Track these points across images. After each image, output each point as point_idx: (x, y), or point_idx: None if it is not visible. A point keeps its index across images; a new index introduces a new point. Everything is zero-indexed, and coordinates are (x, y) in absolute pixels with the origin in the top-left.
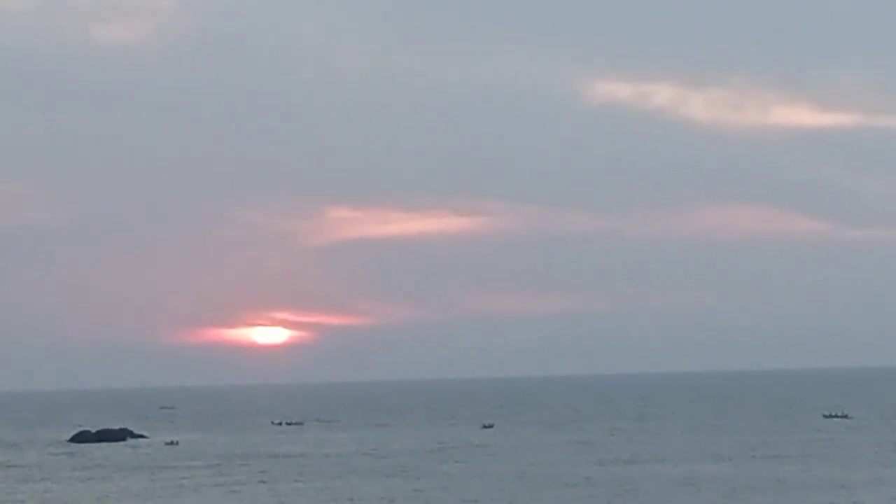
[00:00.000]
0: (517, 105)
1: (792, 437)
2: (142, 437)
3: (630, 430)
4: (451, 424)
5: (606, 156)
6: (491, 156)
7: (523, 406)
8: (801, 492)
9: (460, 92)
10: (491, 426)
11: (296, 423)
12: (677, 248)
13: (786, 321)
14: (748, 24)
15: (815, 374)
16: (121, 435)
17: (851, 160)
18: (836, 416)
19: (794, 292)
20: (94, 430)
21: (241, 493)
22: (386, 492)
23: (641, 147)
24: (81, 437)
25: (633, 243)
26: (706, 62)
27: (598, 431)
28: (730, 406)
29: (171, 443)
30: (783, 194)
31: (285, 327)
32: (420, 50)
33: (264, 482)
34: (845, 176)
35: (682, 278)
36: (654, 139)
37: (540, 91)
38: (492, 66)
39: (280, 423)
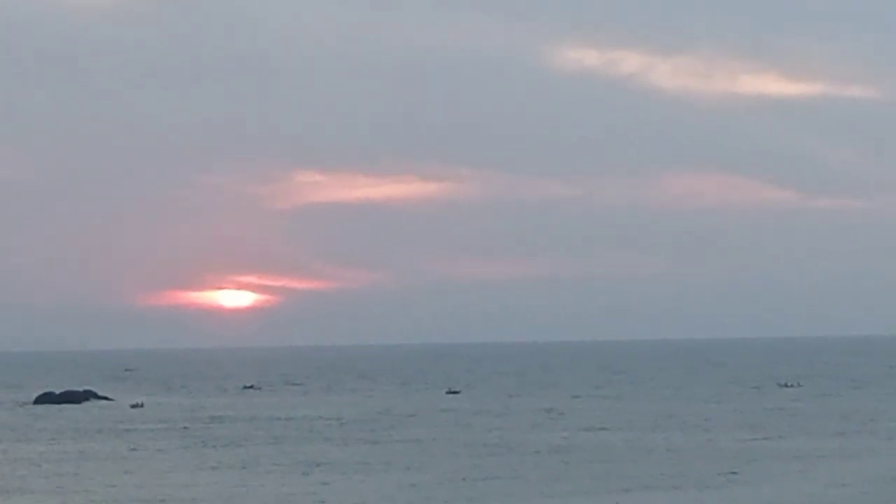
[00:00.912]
0: (485, 71)
1: (746, 405)
2: (106, 398)
3: (596, 397)
4: (416, 390)
5: (574, 123)
6: (458, 122)
7: (490, 372)
8: (765, 461)
9: (428, 57)
10: (457, 392)
11: (256, 388)
12: (645, 216)
13: (752, 290)
14: None
15: (781, 342)
16: (85, 397)
17: (819, 129)
18: (790, 386)
19: (761, 261)
20: (57, 392)
21: (208, 456)
22: (354, 456)
23: (609, 114)
24: (45, 399)
25: (600, 210)
26: (674, 30)
27: (564, 398)
28: (692, 374)
29: (137, 405)
30: (750, 163)
31: (251, 291)
32: (389, 14)
33: (231, 445)
34: (812, 145)
35: (649, 246)
36: (623, 106)
37: (508, 57)
38: (460, 32)
39: (248, 387)
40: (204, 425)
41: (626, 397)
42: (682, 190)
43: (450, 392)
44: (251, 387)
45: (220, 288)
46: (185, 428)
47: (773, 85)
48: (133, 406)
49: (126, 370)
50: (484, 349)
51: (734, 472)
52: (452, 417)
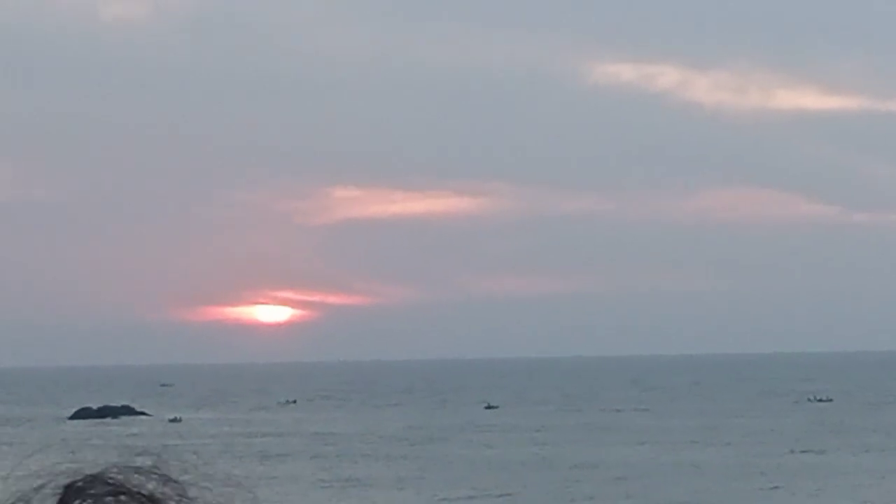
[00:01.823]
0: (520, 86)
1: (784, 419)
2: (143, 413)
3: (634, 412)
4: (454, 405)
5: (610, 138)
6: (494, 137)
7: (527, 387)
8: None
9: (464, 72)
10: (496, 407)
11: (291, 402)
12: (681, 231)
13: (790, 305)
14: (753, 6)
15: (817, 357)
16: (122, 411)
17: (857, 144)
18: (821, 401)
19: (799, 276)
20: (95, 408)
21: (248, 471)
22: (395, 472)
23: (645, 129)
24: (82, 414)
25: (636, 225)
26: (710, 44)
27: (602, 413)
28: (728, 389)
29: (174, 419)
30: (787, 178)
31: (287, 306)
32: (424, 30)
33: (271, 460)
34: (850, 159)
35: (685, 261)
36: (658, 121)
37: (543, 72)
38: (494, 47)
39: (287, 402)
40: (243, 440)
41: (665, 412)
42: (718, 205)
43: (488, 407)
44: (291, 402)
45: (256, 303)
46: (226, 442)
47: (811, 99)
48: (171, 421)
49: (162, 385)
50: (520, 364)
51: (776, 487)
52: (492, 433)
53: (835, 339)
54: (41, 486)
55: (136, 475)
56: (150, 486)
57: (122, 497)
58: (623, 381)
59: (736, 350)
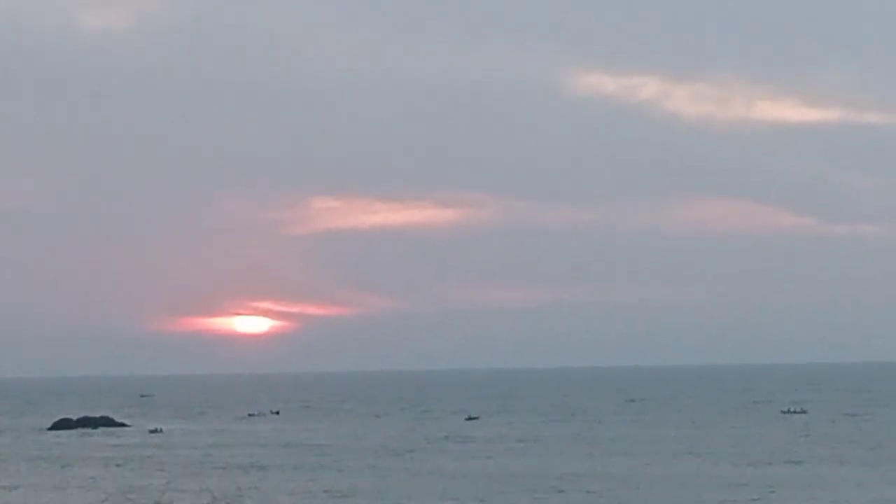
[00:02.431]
0: (502, 97)
1: (768, 430)
2: (123, 425)
3: (619, 423)
4: (434, 416)
5: (591, 149)
6: (475, 147)
7: (508, 398)
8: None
9: (444, 83)
10: (476, 418)
11: (274, 413)
12: (661, 242)
13: (769, 316)
14: (734, 18)
15: (797, 368)
16: (102, 422)
17: (836, 155)
18: (794, 412)
19: (779, 287)
20: (74, 419)
21: (231, 481)
22: (373, 484)
23: (626, 141)
24: (61, 425)
25: (617, 236)
26: (692, 56)
27: (585, 424)
28: (710, 400)
29: (155, 430)
30: (768, 189)
31: (267, 317)
32: (404, 41)
33: (252, 470)
34: (830, 171)
35: (666, 272)
36: (640, 133)
37: (525, 83)
38: (477, 58)
39: (271, 412)
40: (226, 451)
41: (649, 423)
42: (698, 216)
43: (469, 418)
44: (275, 412)
45: (236, 314)
46: (206, 454)
47: (790, 111)
48: (152, 431)
49: (142, 396)
50: (501, 375)
51: (755, 500)
52: (473, 444)
53: (814, 350)
54: None
55: None
56: None
57: None
58: (606, 392)
59: (718, 361)
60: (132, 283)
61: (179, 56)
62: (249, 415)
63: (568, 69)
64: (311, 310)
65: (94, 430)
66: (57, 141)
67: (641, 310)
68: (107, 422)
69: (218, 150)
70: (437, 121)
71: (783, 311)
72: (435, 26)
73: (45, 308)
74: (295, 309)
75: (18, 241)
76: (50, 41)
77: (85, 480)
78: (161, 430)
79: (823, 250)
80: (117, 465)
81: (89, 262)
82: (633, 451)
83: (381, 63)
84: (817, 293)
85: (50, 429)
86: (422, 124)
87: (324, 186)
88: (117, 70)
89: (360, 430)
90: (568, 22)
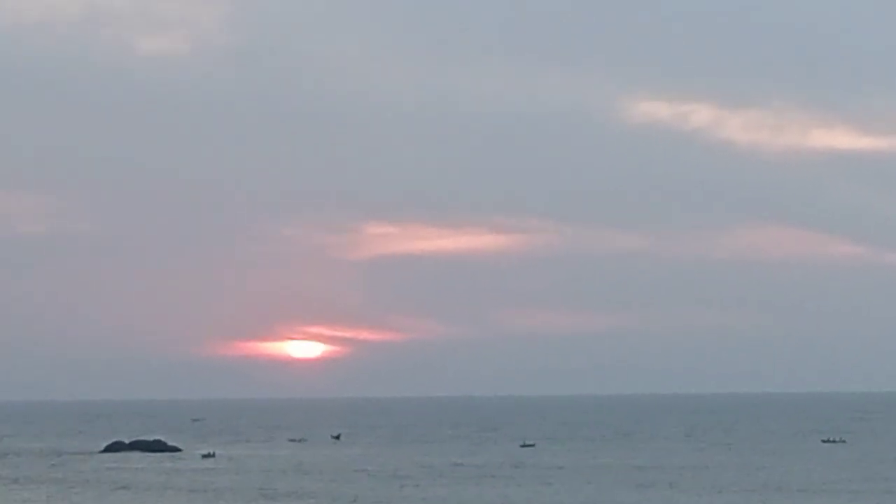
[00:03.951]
0: (556, 123)
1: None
2: (176, 449)
3: (683, 453)
4: (490, 442)
5: (645, 175)
6: (529, 173)
7: (563, 425)
8: None
9: (500, 110)
10: (532, 445)
11: (335, 437)
12: (714, 269)
13: (822, 345)
14: (788, 46)
15: (847, 398)
16: (154, 446)
17: (889, 183)
18: (833, 441)
19: (830, 315)
20: (127, 441)
21: None
22: None
23: (680, 167)
24: (114, 447)
25: (670, 263)
26: (745, 84)
27: (640, 451)
28: (768, 428)
29: (208, 455)
30: (820, 217)
31: (320, 341)
32: (461, 68)
33: (306, 498)
34: (883, 199)
35: (718, 299)
36: (693, 160)
37: (579, 110)
38: (531, 85)
39: (332, 437)
40: (279, 476)
41: (715, 451)
42: (750, 243)
43: (524, 445)
44: (335, 437)
45: (289, 338)
46: (263, 479)
47: (844, 139)
48: (205, 456)
49: (194, 420)
50: (555, 402)
51: None
52: (530, 473)
53: (865, 379)
54: None
55: None
56: None
57: None
58: (662, 420)
59: (768, 389)
60: (186, 308)
61: (234, 81)
62: (300, 440)
63: (623, 96)
64: (365, 335)
65: (147, 454)
66: (112, 164)
67: (694, 336)
68: (159, 445)
69: (273, 175)
70: (493, 147)
71: (833, 339)
72: (492, 55)
73: (98, 332)
74: (348, 334)
75: (72, 264)
76: (105, 65)
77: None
78: (214, 455)
79: (875, 279)
80: (169, 490)
81: (143, 287)
82: (709, 486)
83: (437, 90)
84: (868, 322)
85: (103, 451)
86: (477, 151)
87: (378, 212)
88: (172, 94)
89: (413, 457)
90: (623, 50)
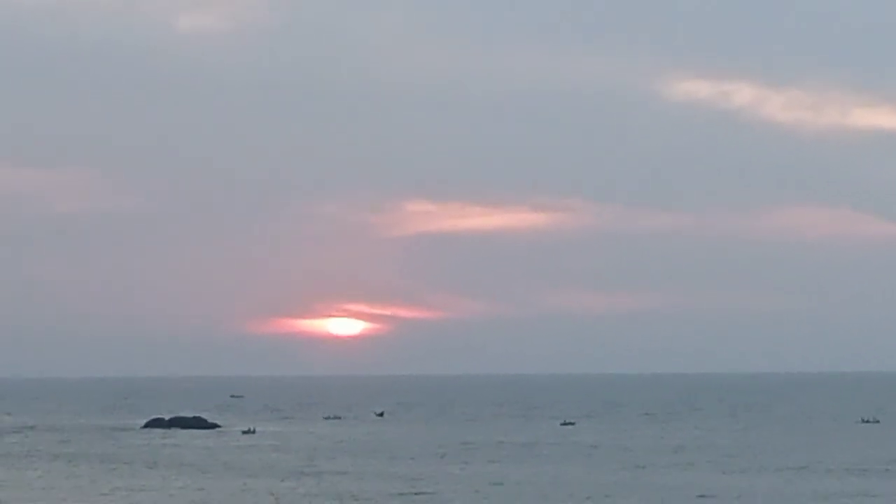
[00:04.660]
0: (597, 103)
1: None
2: (215, 425)
3: (716, 431)
4: (531, 421)
5: (686, 155)
6: (571, 153)
7: (603, 403)
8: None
9: (541, 89)
10: (572, 423)
11: (378, 415)
12: (754, 249)
13: (861, 324)
14: (829, 25)
15: (890, 377)
16: (194, 423)
17: None
18: (869, 421)
19: (870, 295)
20: (167, 418)
21: (327, 486)
22: (470, 486)
23: (720, 147)
24: (154, 424)
25: (710, 242)
26: (786, 63)
27: (681, 430)
28: (795, 408)
29: (248, 431)
30: (862, 196)
31: (360, 319)
32: (501, 47)
33: (346, 475)
34: None
35: (757, 279)
36: (734, 139)
37: (620, 89)
38: (572, 64)
39: (375, 414)
40: (323, 453)
41: (753, 430)
42: (792, 222)
43: (564, 423)
44: (378, 414)
45: (329, 316)
46: (308, 456)
47: (885, 118)
48: (245, 432)
49: (232, 396)
50: (594, 380)
51: None
52: (571, 451)
53: None
54: None
55: None
56: None
57: None
58: (701, 399)
59: (809, 369)
60: (225, 285)
61: (275, 59)
62: (334, 417)
63: (663, 75)
64: (404, 312)
65: (187, 430)
66: (152, 143)
67: (732, 316)
68: (199, 422)
69: (312, 153)
70: (533, 126)
71: (875, 318)
72: (530, 36)
73: (139, 310)
74: (388, 311)
75: (113, 242)
76: (145, 44)
77: (176, 480)
78: (254, 431)
79: None
80: (204, 466)
81: (183, 265)
82: (753, 465)
83: (477, 68)
84: None
85: (143, 428)
86: (518, 129)
87: (418, 190)
88: (213, 72)
89: (454, 434)
90: (663, 28)
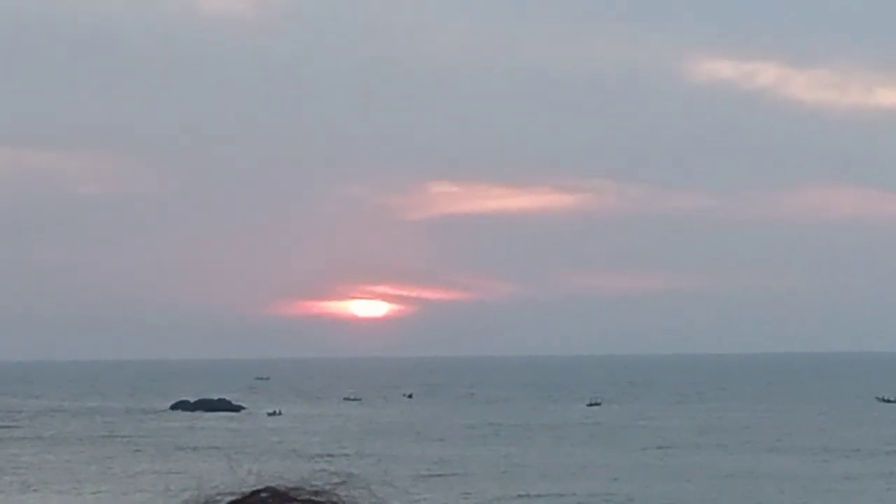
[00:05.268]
0: (619, 82)
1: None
2: (241, 407)
3: (742, 411)
4: (556, 402)
5: (710, 135)
6: (595, 133)
7: (629, 385)
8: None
9: (562, 68)
10: (598, 404)
11: (407, 396)
12: (780, 229)
13: (889, 303)
14: (853, 4)
15: None
16: (219, 405)
17: None
18: (890, 401)
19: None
20: (192, 400)
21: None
22: (497, 467)
23: (745, 126)
24: (180, 406)
25: (735, 222)
26: (811, 42)
27: (707, 411)
28: (820, 388)
29: (274, 413)
30: (887, 176)
31: (385, 300)
32: (524, 26)
33: (373, 455)
34: None
35: (782, 259)
36: (758, 119)
37: (644, 70)
38: (595, 43)
39: (409, 396)
40: (349, 435)
41: (783, 411)
42: (817, 203)
43: (591, 404)
44: (407, 396)
45: (353, 297)
46: (333, 438)
47: None
48: (270, 414)
49: (258, 378)
50: (619, 361)
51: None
52: (597, 431)
53: None
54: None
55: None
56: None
57: None
58: (726, 379)
59: (836, 348)
60: (249, 267)
61: (298, 41)
62: (354, 398)
63: (687, 55)
64: (429, 294)
65: (212, 413)
66: (173, 125)
67: (759, 297)
68: (224, 404)
69: (336, 135)
70: (557, 106)
71: None
72: (553, 16)
73: (163, 292)
74: (413, 293)
75: (138, 225)
76: (168, 28)
77: (203, 462)
78: (280, 413)
79: None
80: (230, 448)
81: (207, 246)
82: (783, 446)
83: (500, 49)
84: None
85: (168, 410)
86: (541, 109)
87: (441, 171)
88: (236, 56)
89: (482, 415)
90: (685, 9)
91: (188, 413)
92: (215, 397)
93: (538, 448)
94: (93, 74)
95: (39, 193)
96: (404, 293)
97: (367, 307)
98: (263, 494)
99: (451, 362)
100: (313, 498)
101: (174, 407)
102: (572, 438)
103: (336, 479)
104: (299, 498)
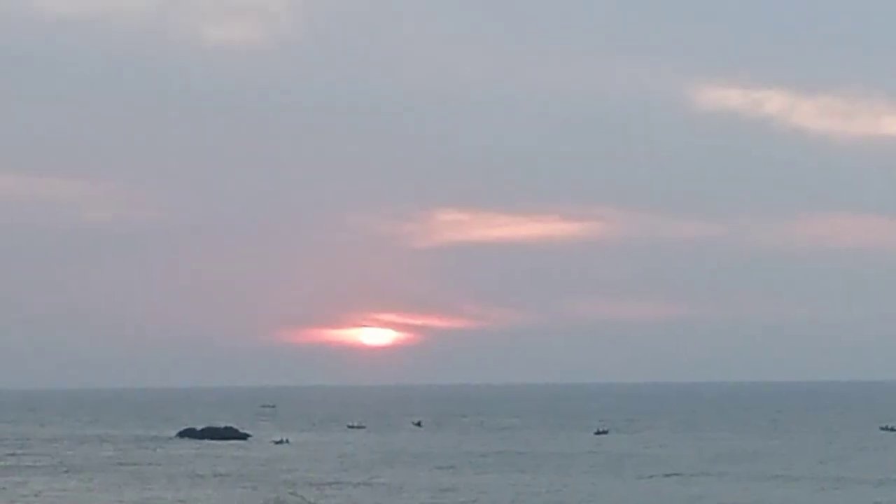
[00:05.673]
0: (627, 110)
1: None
2: (247, 435)
3: (748, 440)
4: (564, 430)
5: (716, 163)
6: (601, 161)
7: (635, 412)
8: None
9: (570, 97)
10: (605, 432)
11: (416, 424)
12: (786, 257)
13: (893, 332)
14: (860, 32)
15: None
16: (226, 433)
17: None
18: (892, 429)
19: None
20: (199, 429)
21: (361, 493)
22: (506, 495)
23: (752, 154)
24: (186, 434)
25: (742, 250)
26: (818, 70)
27: (713, 440)
28: (827, 417)
29: (281, 441)
30: (893, 204)
31: (392, 329)
32: (531, 56)
33: (381, 483)
34: None
35: (790, 287)
36: (765, 147)
37: (651, 97)
38: (603, 72)
39: (418, 424)
40: (357, 464)
41: (786, 439)
42: (823, 230)
43: (598, 433)
44: (416, 423)
45: (360, 325)
46: (345, 466)
47: None
48: (277, 443)
49: (263, 406)
50: (626, 389)
51: None
52: (605, 460)
53: None
54: None
55: None
56: None
57: None
58: (732, 408)
59: (843, 377)
60: (257, 295)
61: (302, 70)
62: (358, 426)
63: (694, 83)
64: (436, 322)
65: (218, 441)
66: (184, 155)
67: (764, 325)
68: (231, 432)
69: (343, 163)
70: (564, 135)
71: None
72: (559, 44)
73: (172, 320)
74: (419, 321)
75: (147, 254)
76: (174, 54)
77: (209, 490)
78: (287, 441)
79: None
80: (237, 476)
81: (215, 275)
82: (793, 474)
83: (508, 78)
84: None
85: (174, 438)
86: (548, 138)
87: (448, 199)
88: (242, 83)
89: (488, 443)
90: (694, 36)
91: (195, 441)
92: (222, 425)
93: (547, 476)
94: (96, 101)
95: (44, 221)
96: (411, 321)
97: (374, 335)
98: None
99: (457, 390)
100: None
101: (181, 435)
102: (580, 466)
103: None
104: None
